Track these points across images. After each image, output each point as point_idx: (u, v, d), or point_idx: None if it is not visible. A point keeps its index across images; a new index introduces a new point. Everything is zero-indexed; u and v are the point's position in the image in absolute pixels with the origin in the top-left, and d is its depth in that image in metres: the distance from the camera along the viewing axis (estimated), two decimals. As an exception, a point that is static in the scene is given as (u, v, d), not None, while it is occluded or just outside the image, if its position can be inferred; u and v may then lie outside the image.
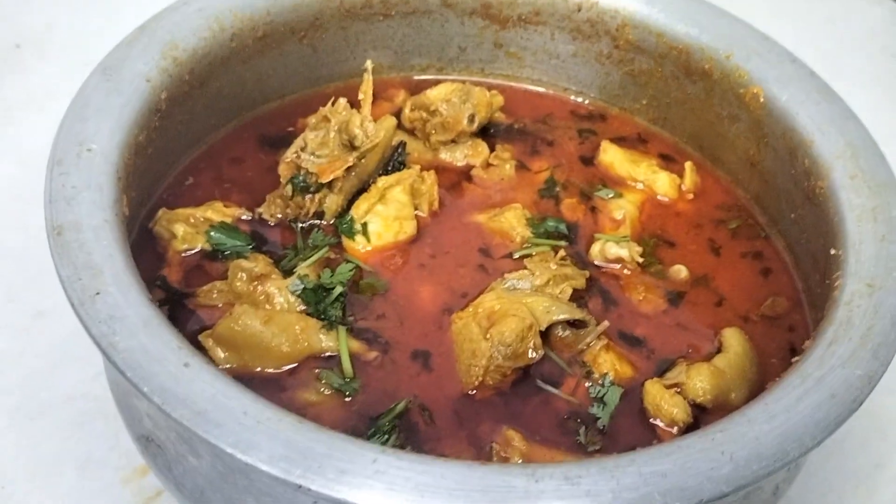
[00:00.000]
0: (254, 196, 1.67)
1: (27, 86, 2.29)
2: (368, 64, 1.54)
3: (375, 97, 1.92)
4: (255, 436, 1.00)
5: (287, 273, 1.52)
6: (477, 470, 1.00)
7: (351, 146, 1.56)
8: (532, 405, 1.41)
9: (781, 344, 1.53)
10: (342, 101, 1.58)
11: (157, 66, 1.46)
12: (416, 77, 1.97)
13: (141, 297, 1.13)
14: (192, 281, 1.53)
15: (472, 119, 1.75)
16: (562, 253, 1.57)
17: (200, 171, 1.71)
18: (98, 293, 1.11)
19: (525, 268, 1.55)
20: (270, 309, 1.43)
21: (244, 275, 1.48)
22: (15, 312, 1.81)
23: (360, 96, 1.56)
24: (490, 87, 1.94)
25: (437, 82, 1.94)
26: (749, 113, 1.65)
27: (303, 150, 1.61)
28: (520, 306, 1.46)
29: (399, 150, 1.72)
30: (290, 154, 1.64)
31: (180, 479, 1.19)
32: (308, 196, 1.58)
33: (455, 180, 1.77)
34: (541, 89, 1.97)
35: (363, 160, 1.59)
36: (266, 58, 1.72)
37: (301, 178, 1.57)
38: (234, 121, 1.79)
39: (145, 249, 1.56)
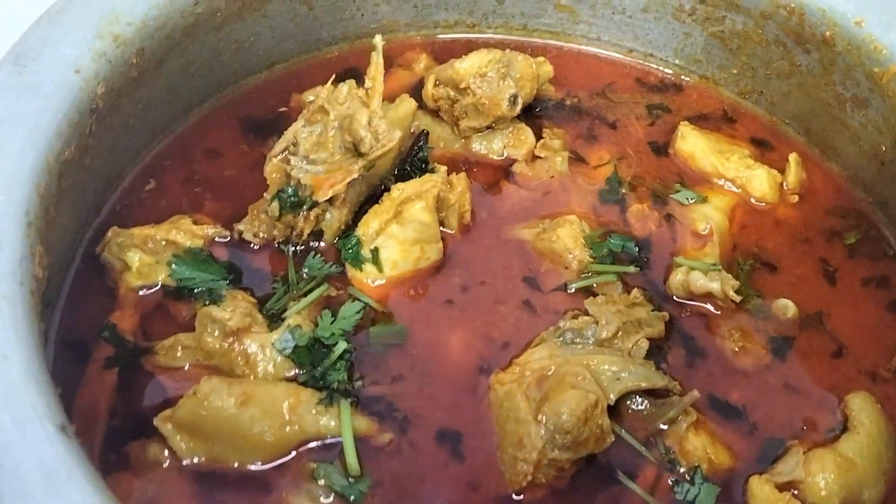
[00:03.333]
0: (234, 203, 1.30)
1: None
2: (378, 40, 1.14)
3: (390, 63, 1.53)
4: None
5: (274, 319, 1.16)
6: None
7: (356, 150, 1.17)
8: (597, 506, 1.07)
9: (924, 414, 1.17)
10: (343, 88, 1.18)
11: (91, 49, 1.07)
12: (440, 36, 1.56)
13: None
14: (152, 328, 1.17)
15: (513, 101, 1.35)
16: (635, 294, 1.19)
17: (165, 171, 1.33)
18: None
19: (585, 312, 1.18)
20: (249, 382, 1.08)
21: (216, 329, 1.12)
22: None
23: (368, 84, 1.16)
24: (535, 50, 1.54)
25: (467, 42, 1.55)
26: (886, 99, 1.24)
27: (294, 146, 1.22)
28: (580, 370, 1.10)
29: (420, 144, 1.33)
30: (278, 150, 1.25)
31: None
32: (301, 214, 1.21)
33: (492, 179, 1.38)
34: (599, 51, 1.55)
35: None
36: (246, 21, 1.33)
37: (290, 192, 1.19)
38: (210, 100, 1.40)
39: (91, 283, 1.20)
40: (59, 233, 1.11)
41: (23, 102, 1.01)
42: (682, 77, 1.52)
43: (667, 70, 1.53)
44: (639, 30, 1.50)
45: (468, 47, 1.51)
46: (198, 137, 1.38)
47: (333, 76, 1.26)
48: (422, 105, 1.41)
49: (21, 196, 0.93)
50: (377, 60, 1.15)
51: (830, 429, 1.14)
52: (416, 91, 1.46)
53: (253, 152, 1.37)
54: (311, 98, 1.42)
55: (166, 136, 1.35)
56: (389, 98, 1.44)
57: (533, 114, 1.46)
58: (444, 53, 1.53)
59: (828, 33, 1.26)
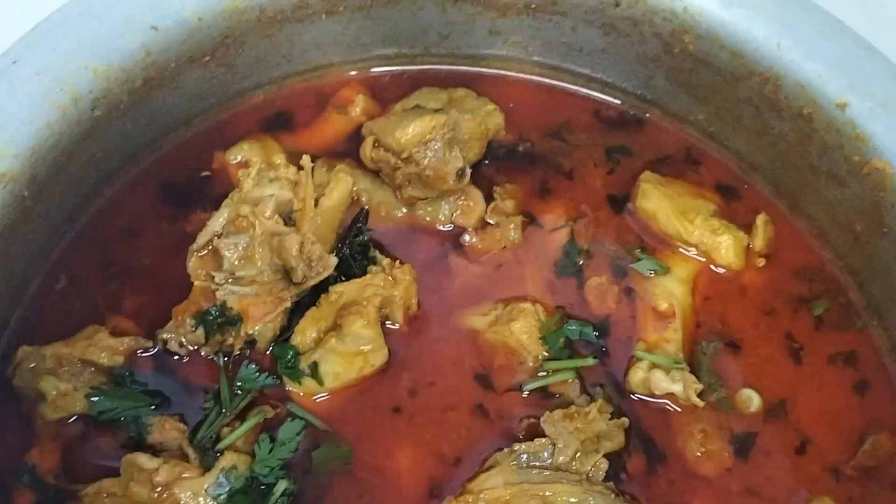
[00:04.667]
0: (157, 297, 1.19)
1: None
2: (305, 161, 1.00)
3: (324, 104, 1.39)
4: None
5: (207, 451, 1.08)
6: None
7: (286, 273, 1.05)
8: None
9: (888, 518, 1.14)
10: (270, 203, 1.04)
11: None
12: (377, 69, 1.40)
13: None
14: (76, 464, 1.09)
15: (461, 174, 1.22)
16: (595, 411, 1.11)
17: (76, 262, 1.20)
18: None
19: (540, 430, 1.11)
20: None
21: (143, 477, 1.03)
22: None
23: (296, 206, 1.03)
24: (482, 82, 1.40)
25: (409, 79, 1.40)
26: (864, 189, 1.13)
27: (215, 251, 1.10)
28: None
29: (359, 224, 1.21)
30: (201, 242, 1.13)
31: None
32: (230, 330, 1.10)
33: (439, 250, 1.27)
34: (554, 81, 1.41)
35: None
36: (156, 98, 1.16)
37: (216, 313, 1.08)
38: (124, 171, 1.25)
39: (5, 411, 1.10)
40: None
41: None
42: (644, 111, 1.39)
43: (627, 103, 1.40)
44: (597, 66, 1.36)
45: (411, 84, 1.38)
46: (111, 217, 1.24)
47: (256, 168, 1.11)
48: (360, 162, 1.29)
49: None
50: (306, 182, 1.02)
51: (793, 542, 1.11)
52: (354, 139, 1.33)
53: (174, 230, 1.24)
54: (237, 158, 1.29)
55: (74, 221, 1.21)
56: (324, 149, 1.31)
57: (482, 166, 1.33)
58: (386, 88, 1.38)
59: (806, 111, 1.13)
